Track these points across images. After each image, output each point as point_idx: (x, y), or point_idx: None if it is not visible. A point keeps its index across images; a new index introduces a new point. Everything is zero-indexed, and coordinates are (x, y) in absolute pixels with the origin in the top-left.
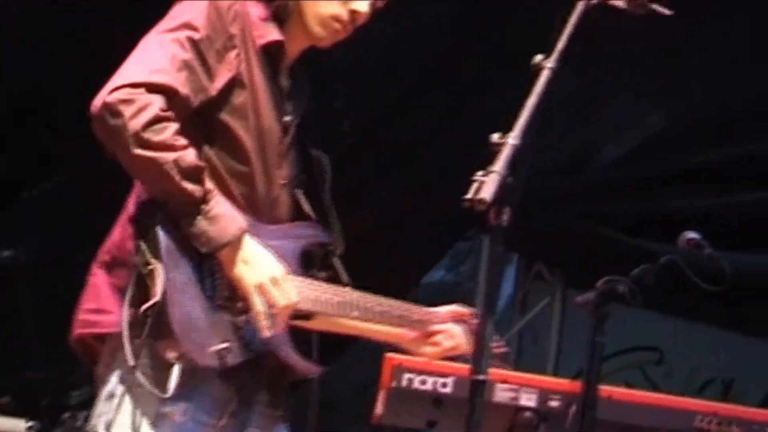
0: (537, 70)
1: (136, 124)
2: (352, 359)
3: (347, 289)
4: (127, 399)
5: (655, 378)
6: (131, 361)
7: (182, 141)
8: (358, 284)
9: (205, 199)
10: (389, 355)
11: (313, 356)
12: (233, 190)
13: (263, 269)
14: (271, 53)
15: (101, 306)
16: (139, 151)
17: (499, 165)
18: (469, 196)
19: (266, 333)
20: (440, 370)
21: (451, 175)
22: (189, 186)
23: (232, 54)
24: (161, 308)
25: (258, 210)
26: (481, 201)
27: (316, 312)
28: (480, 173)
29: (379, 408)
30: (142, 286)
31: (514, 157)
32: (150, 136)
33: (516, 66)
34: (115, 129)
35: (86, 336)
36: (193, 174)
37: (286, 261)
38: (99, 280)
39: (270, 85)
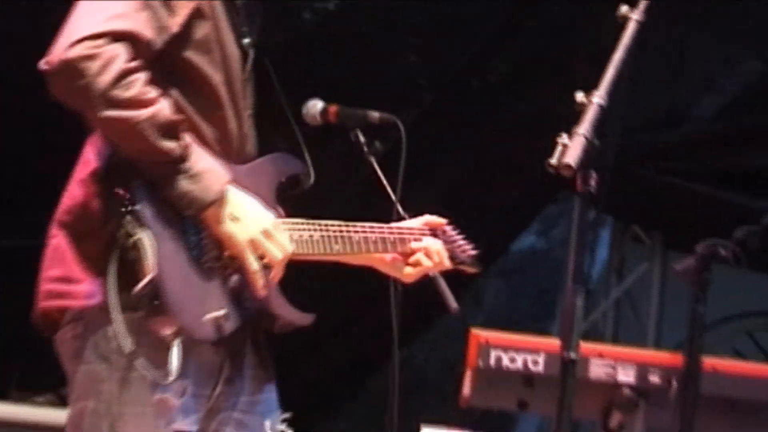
0: (623, 22)
1: (102, 82)
2: (439, 334)
3: (323, 221)
4: (117, 389)
5: (766, 345)
6: (129, 348)
7: (153, 93)
8: None
9: (183, 156)
10: (475, 331)
11: (394, 332)
12: (206, 134)
13: (254, 223)
14: None
15: (69, 274)
16: (108, 113)
17: (584, 127)
18: (553, 161)
19: (263, 293)
20: (529, 346)
21: (537, 132)
22: (166, 144)
23: None
24: (156, 282)
25: (230, 150)
26: (566, 166)
27: (301, 253)
28: (564, 136)
29: (466, 389)
30: (126, 258)
31: (601, 117)
32: (118, 93)
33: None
34: (79, 90)
35: (53, 308)
36: (170, 130)
37: (264, 201)
38: (61, 243)
39: (226, 5)
